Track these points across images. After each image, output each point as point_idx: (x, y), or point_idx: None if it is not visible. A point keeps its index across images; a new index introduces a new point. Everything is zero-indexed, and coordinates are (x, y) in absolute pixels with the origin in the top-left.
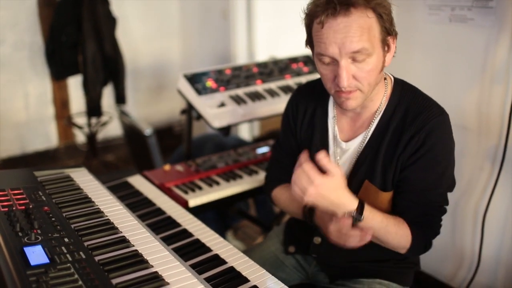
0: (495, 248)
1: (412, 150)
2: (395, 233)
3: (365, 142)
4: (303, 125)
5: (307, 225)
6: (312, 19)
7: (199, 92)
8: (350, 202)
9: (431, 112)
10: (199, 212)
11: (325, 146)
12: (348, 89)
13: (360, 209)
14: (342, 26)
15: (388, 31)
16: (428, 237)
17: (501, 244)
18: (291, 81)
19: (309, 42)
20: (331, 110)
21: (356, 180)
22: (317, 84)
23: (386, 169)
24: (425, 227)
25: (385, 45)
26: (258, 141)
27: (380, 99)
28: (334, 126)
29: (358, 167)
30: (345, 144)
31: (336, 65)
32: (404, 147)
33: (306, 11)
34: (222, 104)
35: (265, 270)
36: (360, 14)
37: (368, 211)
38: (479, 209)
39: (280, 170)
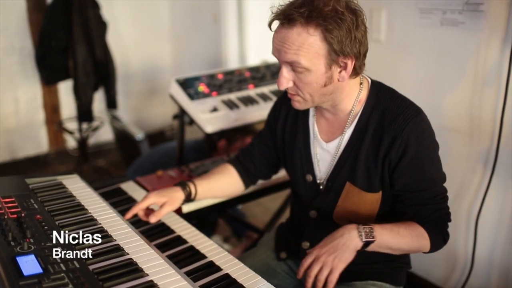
0: (488, 251)
1: (398, 155)
2: (410, 236)
3: (344, 144)
4: (286, 126)
5: (295, 230)
6: None
7: (192, 97)
8: (352, 237)
9: (408, 113)
10: (193, 218)
11: (306, 145)
12: (290, 92)
13: (369, 233)
14: (282, 36)
15: (337, 52)
16: (443, 228)
17: (494, 247)
18: None
19: None
20: (312, 109)
21: (337, 181)
22: None
23: (369, 171)
24: (439, 221)
25: (333, 63)
26: None
27: (351, 103)
28: (314, 125)
29: (339, 168)
30: (325, 144)
31: None
32: (388, 150)
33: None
34: (215, 109)
35: (260, 277)
36: (301, 30)
37: (377, 230)
38: (472, 212)
39: (247, 153)
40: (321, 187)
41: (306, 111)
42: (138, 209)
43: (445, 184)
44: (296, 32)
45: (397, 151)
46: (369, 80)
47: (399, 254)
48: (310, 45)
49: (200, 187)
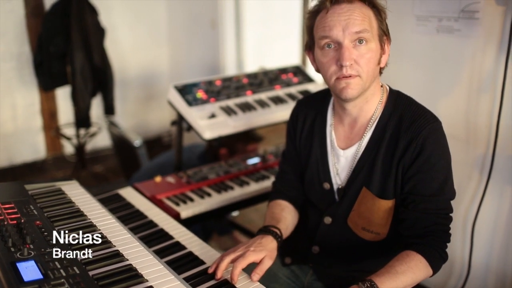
0: (485, 256)
1: (412, 158)
2: (409, 269)
3: (362, 150)
4: (303, 134)
5: (306, 235)
6: (315, 14)
7: (190, 103)
8: None
9: (426, 119)
10: (191, 224)
11: (323, 153)
12: (349, 72)
13: (371, 286)
14: (345, 10)
15: (384, 31)
16: (441, 247)
17: (491, 253)
18: (281, 92)
19: (310, 42)
20: (330, 118)
21: (354, 187)
22: (317, 95)
23: (385, 177)
24: (436, 238)
25: (381, 42)
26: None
27: (375, 104)
28: (332, 133)
29: (356, 174)
30: (342, 152)
31: (338, 50)
32: (403, 153)
33: (311, 9)
34: (213, 115)
35: (259, 283)
36: (361, 5)
37: (376, 280)
38: (468, 217)
39: (284, 181)
40: (338, 194)
41: (324, 120)
42: (238, 271)
43: None
44: (357, 5)
45: (411, 153)
46: (388, 87)
47: None
48: (370, 17)
49: (283, 230)
